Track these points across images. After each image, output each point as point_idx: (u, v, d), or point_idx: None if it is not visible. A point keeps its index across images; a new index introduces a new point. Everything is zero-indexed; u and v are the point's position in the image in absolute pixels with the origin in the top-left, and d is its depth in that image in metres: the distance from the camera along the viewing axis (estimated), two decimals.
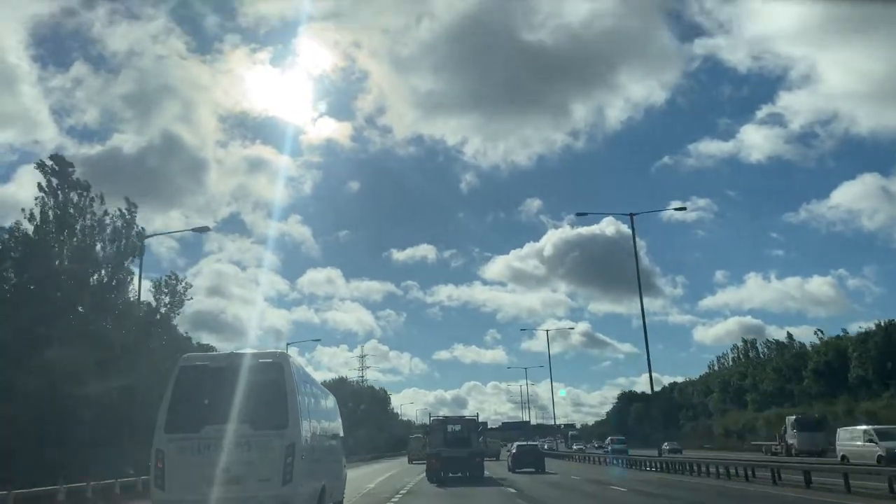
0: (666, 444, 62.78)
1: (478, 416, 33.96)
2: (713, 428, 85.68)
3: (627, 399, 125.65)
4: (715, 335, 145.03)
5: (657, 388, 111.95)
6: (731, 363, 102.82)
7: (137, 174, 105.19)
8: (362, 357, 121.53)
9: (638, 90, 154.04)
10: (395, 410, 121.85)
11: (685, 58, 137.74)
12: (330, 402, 15.93)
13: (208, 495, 10.70)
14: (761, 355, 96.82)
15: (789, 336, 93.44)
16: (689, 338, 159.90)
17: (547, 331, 79.45)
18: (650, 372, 72.07)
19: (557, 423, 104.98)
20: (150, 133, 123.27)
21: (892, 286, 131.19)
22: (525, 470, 37.28)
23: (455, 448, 29.91)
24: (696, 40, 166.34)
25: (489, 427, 65.91)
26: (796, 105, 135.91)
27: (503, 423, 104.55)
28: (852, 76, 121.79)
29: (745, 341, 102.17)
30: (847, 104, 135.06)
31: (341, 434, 17.24)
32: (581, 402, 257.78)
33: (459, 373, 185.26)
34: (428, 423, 37.24)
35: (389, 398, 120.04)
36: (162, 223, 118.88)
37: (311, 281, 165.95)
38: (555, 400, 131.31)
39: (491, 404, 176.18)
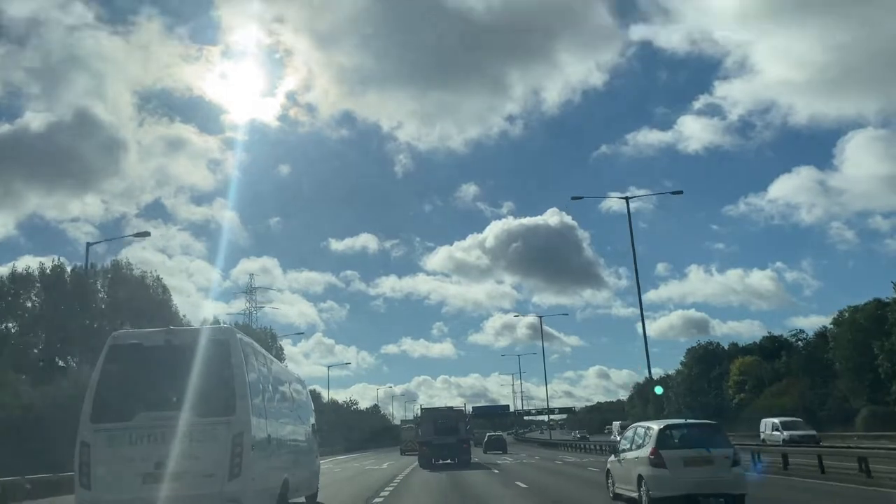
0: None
1: (465, 405, 38.77)
2: None
3: (704, 357, 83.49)
4: (659, 329, 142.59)
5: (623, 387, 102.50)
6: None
7: (49, 155, 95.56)
8: (251, 291, 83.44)
9: (576, 71, 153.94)
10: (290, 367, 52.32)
11: (623, 40, 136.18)
12: (293, 384, 14.45)
13: (142, 494, 9.21)
14: None
15: None
16: (634, 331, 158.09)
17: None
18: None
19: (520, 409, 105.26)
20: (61, 111, 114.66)
21: (828, 280, 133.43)
22: (495, 452, 52.26)
23: (444, 436, 32.37)
24: (633, 24, 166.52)
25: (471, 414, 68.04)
26: (734, 94, 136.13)
27: (478, 408, 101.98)
28: (789, 64, 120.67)
29: None
30: (784, 93, 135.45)
31: (312, 421, 15.84)
32: (532, 396, 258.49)
33: (408, 367, 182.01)
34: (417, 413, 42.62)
35: (281, 347, 69.53)
36: (78, 208, 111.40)
37: (246, 271, 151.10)
38: (505, 392, 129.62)
39: (442, 399, 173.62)
